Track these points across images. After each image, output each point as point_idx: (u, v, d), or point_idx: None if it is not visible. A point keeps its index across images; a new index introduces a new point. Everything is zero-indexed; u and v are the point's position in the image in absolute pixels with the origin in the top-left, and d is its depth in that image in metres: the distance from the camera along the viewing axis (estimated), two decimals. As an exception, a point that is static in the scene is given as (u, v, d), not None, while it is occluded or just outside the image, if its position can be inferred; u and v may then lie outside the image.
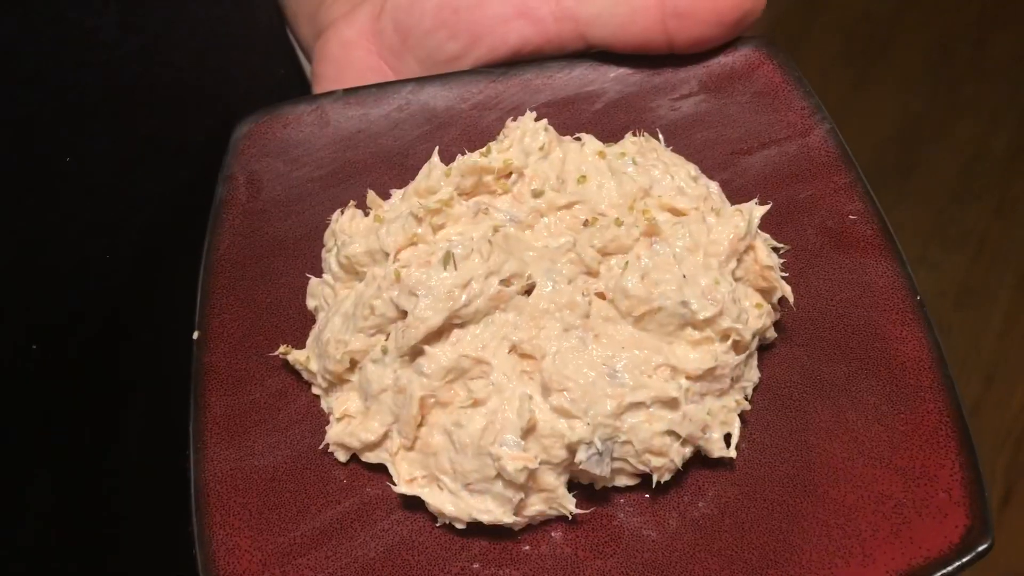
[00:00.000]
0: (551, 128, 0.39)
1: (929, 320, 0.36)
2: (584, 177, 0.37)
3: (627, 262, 0.35)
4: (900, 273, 0.38)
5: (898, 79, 1.91)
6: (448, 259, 0.34)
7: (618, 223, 0.36)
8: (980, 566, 0.33)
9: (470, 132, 0.45)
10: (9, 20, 0.38)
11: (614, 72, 0.45)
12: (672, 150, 0.42)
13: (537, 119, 0.43)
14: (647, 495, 0.35)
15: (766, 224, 0.40)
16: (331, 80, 0.48)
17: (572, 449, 0.33)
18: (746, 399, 0.36)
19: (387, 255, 0.36)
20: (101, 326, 0.45)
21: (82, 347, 0.45)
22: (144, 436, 0.48)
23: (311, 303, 0.39)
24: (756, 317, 0.35)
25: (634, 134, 0.41)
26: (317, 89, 0.49)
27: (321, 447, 0.36)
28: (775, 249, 0.39)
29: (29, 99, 0.40)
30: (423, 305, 0.34)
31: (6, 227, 0.40)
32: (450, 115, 0.45)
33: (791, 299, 0.36)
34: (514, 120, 0.40)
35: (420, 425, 0.34)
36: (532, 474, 0.33)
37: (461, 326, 0.34)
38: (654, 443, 0.33)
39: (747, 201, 0.39)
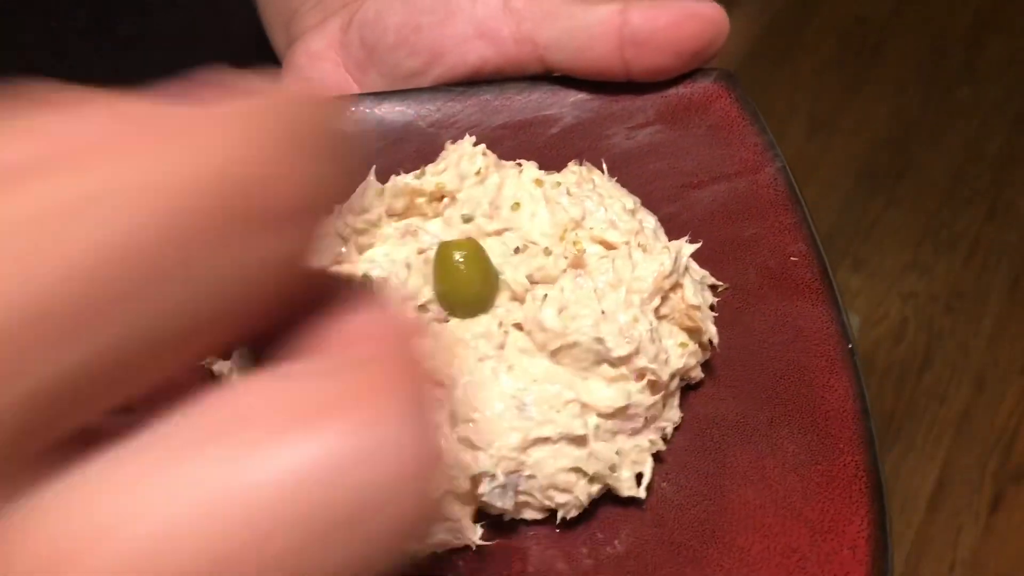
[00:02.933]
0: (490, 153, 0.39)
1: (858, 370, 0.36)
2: (518, 204, 0.37)
3: (546, 294, 0.34)
4: (834, 319, 0.37)
5: (891, 82, 1.92)
6: (364, 281, 0.34)
7: (547, 253, 0.35)
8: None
9: (425, 149, 0.45)
10: None
11: (573, 97, 0.45)
12: (621, 180, 0.41)
13: (494, 141, 0.43)
14: (556, 530, 0.35)
15: (707, 260, 0.39)
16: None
17: (476, 481, 0.33)
18: (664, 439, 0.35)
19: (312, 273, 0.36)
20: None
21: None
22: None
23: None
24: (678, 357, 0.35)
25: (578, 163, 0.40)
26: None
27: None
28: (713, 287, 0.39)
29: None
30: (335, 327, 0.33)
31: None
32: (407, 131, 0.45)
33: (715, 340, 0.36)
34: (453, 142, 0.40)
35: (330, 445, 0.34)
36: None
37: (375, 349, 0.34)
38: (559, 479, 0.33)
39: (692, 235, 0.39)
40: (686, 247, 0.36)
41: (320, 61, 0.49)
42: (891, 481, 1.39)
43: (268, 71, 0.60)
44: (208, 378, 0.38)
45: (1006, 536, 1.37)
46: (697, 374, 0.36)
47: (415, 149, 0.45)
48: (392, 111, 0.45)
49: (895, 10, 2.03)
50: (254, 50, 0.58)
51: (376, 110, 0.45)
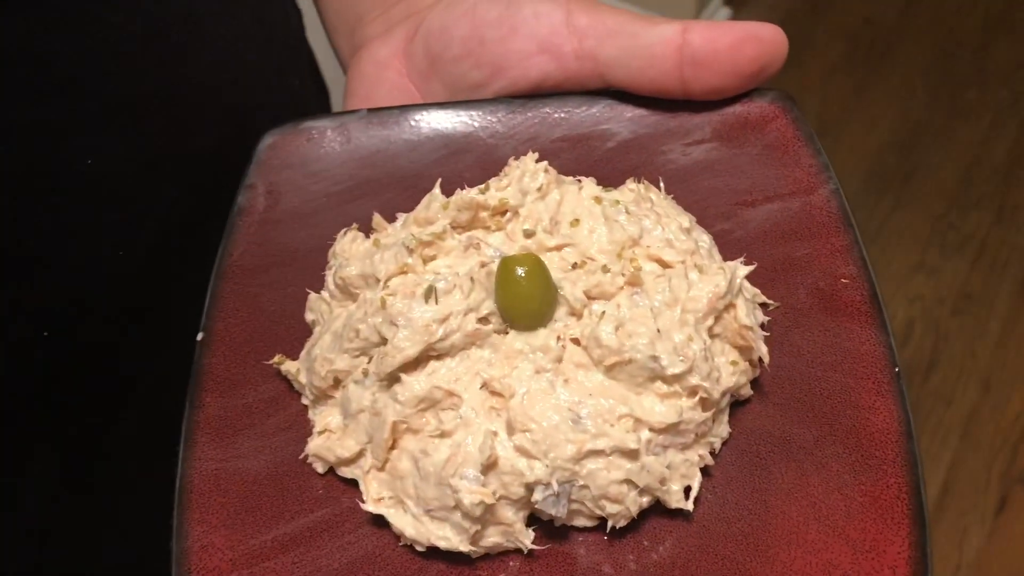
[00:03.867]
0: (551, 169, 0.40)
1: (903, 393, 0.37)
2: (577, 221, 0.38)
3: (603, 311, 0.36)
4: (883, 343, 0.38)
5: (899, 85, 1.92)
6: (430, 293, 0.36)
7: (604, 270, 0.37)
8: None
9: (485, 160, 0.46)
10: (44, 30, 0.41)
11: (630, 112, 0.46)
12: (676, 196, 0.42)
13: (551, 153, 0.45)
14: (604, 537, 0.36)
15: (759, 279, 0.40)
16: (361, 97, 0.50)
17: (530, 488, 0.34)
18: (712, 454, 0.37)
19: (378, 281, 0.38)
20: (108, 323, 0.48)
21: (88, 341, 0.47)
22: (142, 432, 0.51)
23: (309, 317, 0.41)
24: (729, 375, 0.36)
25: (636, 180, 0.41)
26: (348, 104, 0.51)
27: (301, 456, 0.38)
28: (764, 305, 0.40)
29: (58, 104, 0.42)
30: (401, 336, 0.35)
31: (27, 221, 0.43)
32: (467, 141, 0.46)
33: (767, 360, 0.37)
34: (516, 158, 0.41)
35: (391, 448, 0.36)
36: (490, 508, 0.34)
37: (438, 358, 0.36)
38: (611, 490, 0.34)
39: (745, 253, 0.40)
40: (741, 269, 0.37)
41: (384, 69, 0.50)
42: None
43: (304, 77, 0.62)
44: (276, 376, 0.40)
45: (1012, 538, 1.38)
46: (746, 391, 0.38)
47: (475, 159, 0.46)
48: (454, 121, 0.47)
49: (903, 13, 2.03)
50: (298, 58, 0.60)
51: (438, 120, 0.47)
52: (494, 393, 0.35)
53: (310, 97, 0.65)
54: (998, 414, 1.49)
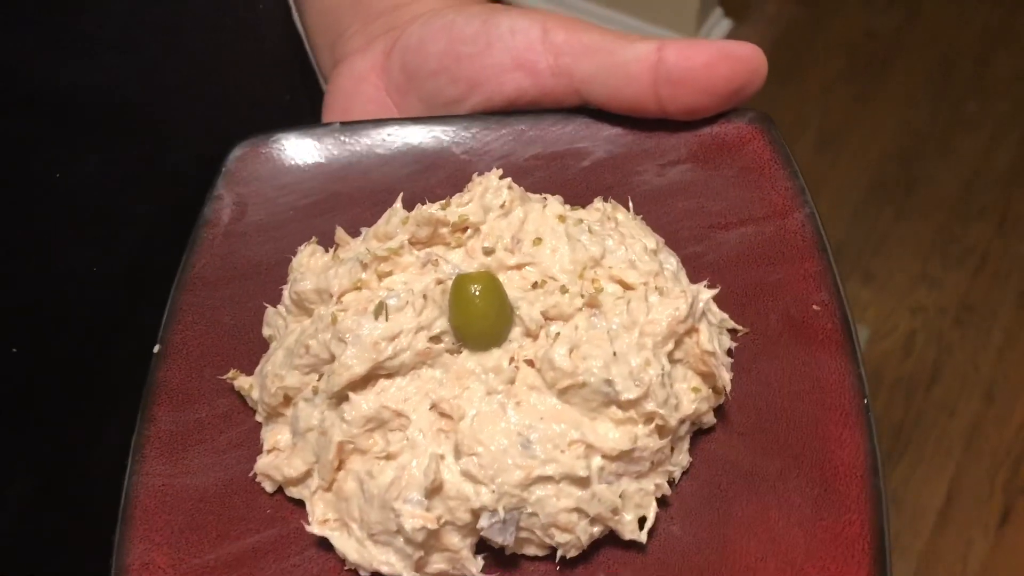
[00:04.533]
0: (516, 186, 0.39)
1: (872, 426, 0.35)
2: (539, 240, 0.37)
3: (559, 332, 0.34)
4: (852, 372, 0.36)
5: (900, 96, 1.92)
6: (380, 309, 0.35)
7: (563, 290, 0.36)
8: None
9: (457, 176, 0.45)
10: (13, 39, 0.40)
11: (606, 131, 0.45)
12: (649, 217, 0.41)
13: (525, 171, 0.44)
14: (557, 567, 0.35)
15: (729, 303, 0.39)
16: (339, 111, 0.50)
17: (476, 514, 0.33)
18: (671, 483, 0.35)
19: (332, 296, 0.37)
20: (84, 336, 0.47)
21: (64, 355, 0.46)
22: (124, 444, 0.50)
23: (266, 331, 0.40)
24: (690, 402, 0.35)
25: (603, 200, 0.40)
26: (325, 118, 0.50)
27: (250, 475, 0.37)
28: (733, 331, 0.38)
29: (28, 115, 0.42)
30: (349, 353, 0.34)
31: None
32: (440, 157, 0.46)
33: (728, 387, 0.36)
34: (480, 174, 0.40)
35: (338, 469, 0.35)
36: (434, 533, 0.33)
37: (387, 376, 0.35)
38: (560, 519, 0.33)
39: (716, 277, 0.39)
40: (704, 292, 0.36)
41: (362, 83, 0.49)
42: (900, 494, 1.38)
43: (296, 92, 0.61)
44: (229, 393, 0.39)
45: (1016, 549, 1.36)
46: (709, 419, 0.36)
47: (447, 175, 0.45)
48: (428, 136, 0.46)
49: (904, 25, 2.04)
50: (290, 72, 0.59)
51: (412, 134, 0.46)
52: (443, 415, 0.34)
53: (304, 113, 0.64)
54: (1001, 425, 1.48)
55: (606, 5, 2.04)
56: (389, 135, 0.46)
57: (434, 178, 0.45)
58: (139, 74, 0.46)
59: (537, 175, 0.44)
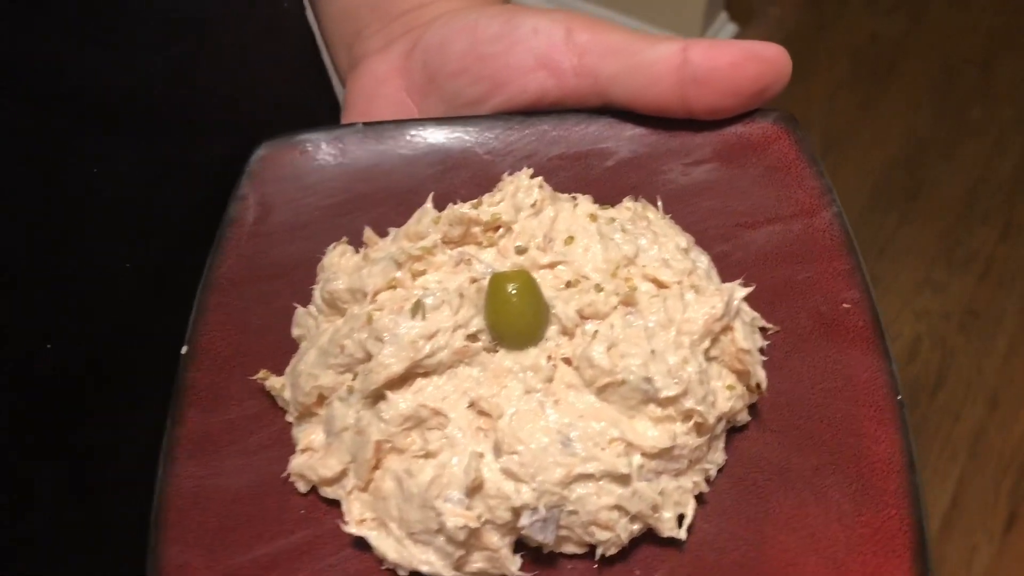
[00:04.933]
0: (546, 186, 0.39)
1: (906, 423, 0.35)
2: (571, 238, 0.37)
3: (596, 330, 0.34)
4: (884, 370, 0.37)
5: (905, 101, 1.93)
6: (417, 308, 0.35)
7: (598, 289, 0.36)
8: None
9: (481, 176, 0.45)
10: (57, 37, 0.40)
11: (630, 131, 0.45)
12: (674, 217, 0.41)
13: (549, 171, 0.44)
14: (594, 565, 0.35)
15: (759, 302, 0.39)
16: (359, 112, 0.49)
17: (517, 512, 0.33)
18: (707, 481, 0.35)
19: (366, 295, 0.37)
20: (114, 333, 0.47)
21: (93, 353, 0.46)
22: (152, 444, 0.50)
23: (296, 332, 0.40)
24: (725, 399, 0.35)
25: (633, 199, 0.41)
26: (345, 119, 0.50)
27: (283, 475, 0.37)
28: (763, 329, 0.39)
29: (68, 111, 0.42)
30: (386, 352, 0.34)
31: (32, 230, 0.42)
32: (464, 157, 0.46)
33: (764, 385, 0.36)
34: (511, 174, 0.40)
35: (375, 468, 0.35)
36: (475, 532, 0.33)
37: (424, 375, 0.35)
38: (600, 516, 0.33)
39: (745, 275, 0.39)
40: (739, 290, 0.36)
41: (382, 84, 0.49)
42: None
43: (317, 92, 0.61)
44: (260, 393, 0.39)
45: (1021, 555, 1.37)
46: (743, 417, 0.36)
47: (471, 175, 0.45)
48: (451, 136, 0.46)
49: (909, 30, 2.04)
50: (305, 71, 0.59)
51: (435, 135, 0.46)
52: (482, 413, 0.34)
53: (323, 113, 0.64)
54: (1006, 431, 1.48)
55: (611, 8, 2.04)
56: (412, 135, 0.46)
57: (457, 178, 0.45)
58: (171, 73, 0.46)
59: (561, 175, 0.44)
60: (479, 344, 0.35)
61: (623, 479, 0.33)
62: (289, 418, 0.38)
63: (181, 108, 0.47)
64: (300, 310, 0.40)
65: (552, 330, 0.35)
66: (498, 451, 0.33)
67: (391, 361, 0.34)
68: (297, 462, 0.36)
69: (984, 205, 1.74)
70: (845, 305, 0.39)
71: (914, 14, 2.05)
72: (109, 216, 0.45)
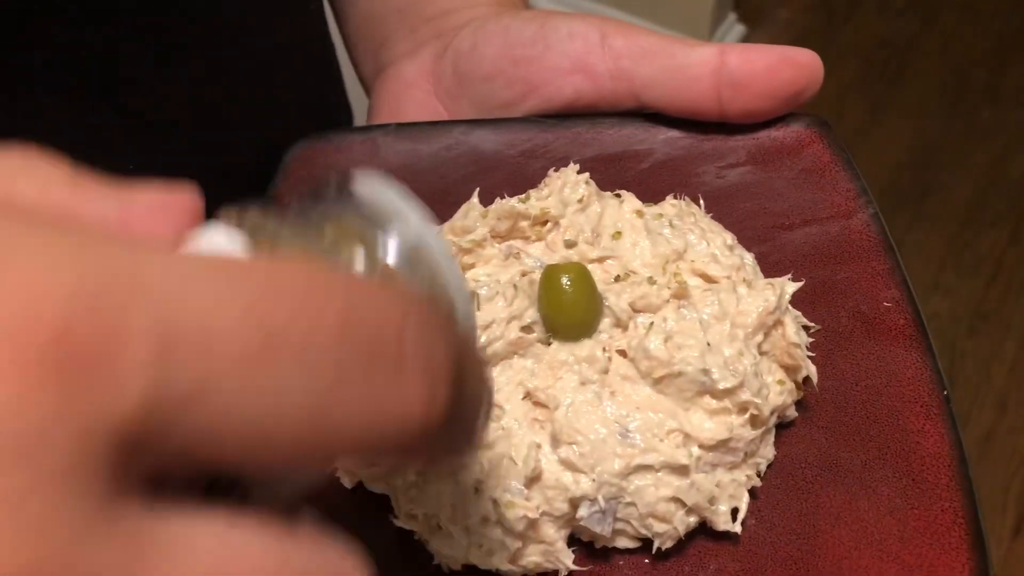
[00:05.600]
0: (592, 182, 0.39)
1: (953, 417, 0.36)
2: (619, 233, 0.37)
3: (652, 322, 0.34)
4: (929, 366, 0.37)
5: (914, 104, 1.93)
6: (472, 299, 0.34)
7: (651, 282, 0.36)
8: None
9: (515, 178, 0.45)
10: (109, 36, 0.40)
11: (664, 134, 0.45)
12: (713, 217, 0.42)
13: (581, 172, 0.44)
14: (647, 560, 0.34)
15: (799, 302, 0.39)
16: (387, 115, 0.49)
17: (575, 504, 0.32)
18: (758, 475, 0.35)
19: (416, 289, 0.36)
20: None
21: None
22: None
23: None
24: (777, 393, 0.35)
25: (675, 197, 0.41)
26: (373, 122, 0.50)
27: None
28: (805, 328, 0.39)
29: (114, 109, 0.41)
30: (443, 342, 0.34)
31: None
32: (497, 159, 0.46)
33: (815, 379, 0.36)
34: (556, 170, 0.40)
35: (427, 461, 0.34)
36: (532, 524, 0.32)
37: (479, 367, 0.34)
38: (658, 508, 0.33)
39: (783, 275, 0.39)
40: (789, 285, 0.36)
41: (411, 88, 0.49)
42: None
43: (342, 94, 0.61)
44: None
45: None
46: (792, 413, 0.36)
47: (505, 177, 0.45)
48: (483, 138, 0.46)
49: (918, 32, 2.05)
50: (333, 69, 0.59)
51: (468, 137, 0.46)
52: (537, 404, 0.34)
53: (346, 113, 0.64)
54: (1015, 435, 1.49)
55: (621, 9, 2.05)
56: (446, 136, 0.46)
57: (491, 180, 0.45)
58: (196, 75, 0.45)
59: (596, 177, 0.44)
60: (534, 335, 0.35)
61: (682, 470, 0.33)
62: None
63: (207, 112, 0.47)
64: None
65: (605, 323, 0.35)
66: (555, 442, 0.33)
67: (447, 351, 0.34)
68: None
69: (993, 208, 1.75)
70: (886, 304, 0.39)
71: (924, 17, 2.06)
72: None
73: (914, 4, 2.10)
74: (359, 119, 0.60)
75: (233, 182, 0.49)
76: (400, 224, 0.22)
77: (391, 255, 0.22)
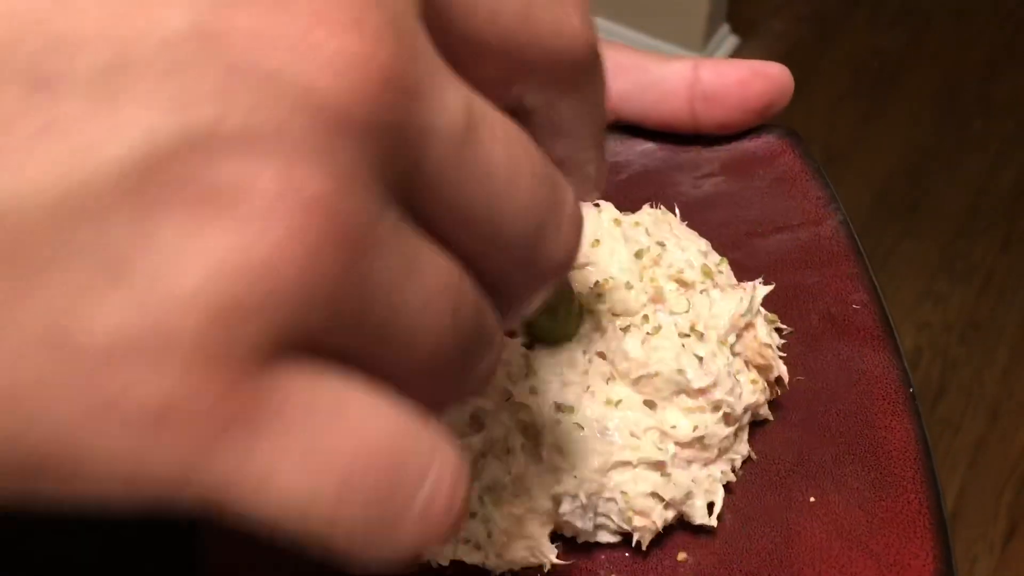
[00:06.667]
0: (572, 193, 0.41)
1: (919, 413, 0.37)
2: (598, 241, 0.39)
3: (629, 325, 0.36)
4: (895, 365, 0.39)
5: (906, 114, 1.94)
6: (458, 306, 0.36)
7: (628, 287, 0.37)
8: None
9: (498, 190, 0.47)
10: None
11: (640, 147, 0.47)
12: (689, 225, 0.43)
13: (563, 184, 0.46)
14: (627, 553, 0.36)
15: (772, 306, 0.41)
16: None
17: (557, 500, 0.34)
18: (733, 471, 0.37)
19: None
20: None
21: None
22: None
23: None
24: (750, 392, 0.37)
25: (652, 206, 0.42)
26: None
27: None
28: (778, 330, 0.40)
29: None
30: (430, 347, 0.35)
31: None
32: None
33: (786, 378, 0.38)
34: None
35: (415, 462, 0.36)
36: (517, 520, 0.34)
37: (464, 371, 0.36)
38: (637, 503, 0.34)
39: (756, 280, 0.41)
40: (760, 288, 0.38)
41: None
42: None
43: None
44: None
45: (1021, 568, 1.37)
46: (765, 412, 0.38)
47: None
48: None
49: (911, 43, 2.06)
50: None
51: None
52: (520, 406, 0.35)
53: None
54: (1006, 443, 1.50)
55: (614, 20, 2.07)
56: None
57: (476, 192, 0.47)
58: None
59: None
60: (517, 340, 0.36)
61: (659, 466, 0.34)
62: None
63: None
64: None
65: (585, 327, 0.37)
66: (538, 442, 0.34)
67: (433, 356, 0.35)
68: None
69: (985, 217, 1.77)
70: (855, 306, 0.41)
71: (916, 28, 2.08)
72: None
73: (906, 15, 2.12)
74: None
75: None
76: None
77: None
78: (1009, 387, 1.56)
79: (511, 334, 0.36)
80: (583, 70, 0.23)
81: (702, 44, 2.02)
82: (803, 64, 2.02)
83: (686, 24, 2.00)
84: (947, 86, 1.99)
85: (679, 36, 2.02)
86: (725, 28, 2.09)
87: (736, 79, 0.44)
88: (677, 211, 0.43)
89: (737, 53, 2.08)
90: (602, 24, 2.11)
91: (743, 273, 0.43)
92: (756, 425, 0.39)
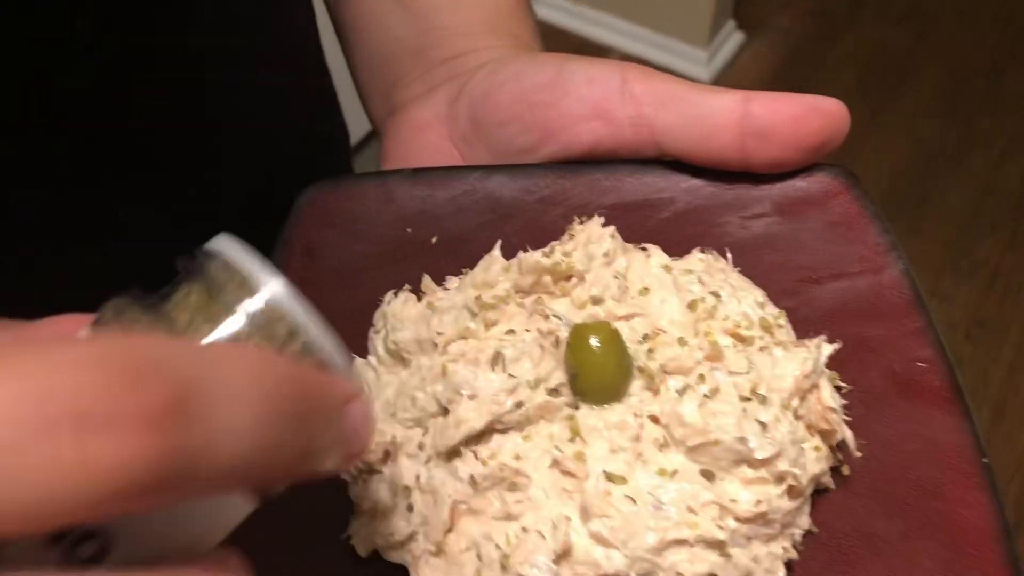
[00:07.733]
0: (618, 235, 0.38)
1: (995, 487, 0.34)
2: (647, 289, 0.36)
3: (686, 386, 0.33)
4: (967, 431, 0.36)
5: (912, 111, 1.94)
6: (497, 359, 0.33)
7: (681, 343, 0.34)
8: None
9: (532, 226, 0.44)
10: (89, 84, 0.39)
11: (686, 183, 0.44)
12: (739, 271, 0.40)
13: (605, 223, 0.43)
14: (678, 637, 0.33)
15: (831, 362, 0.38)
16: (400, 159, 0.48)
17: (606, 580, 0.31)
18: (794, 547, 0.34)
19: (436, 346, 0.35)
20: None
21: None
22: None
23: (351, 384, 0.38)
24: (814, 461, 0.34)
25: (701, 250, 0.39)
26: (385, 166, 0.49)
27: (342, 537, 0.34)
28: (837, 388, 0.37)
29: (83, 153, 0.40)
30: (466, 406, 0.32)
31: (57, 276, 0.40)
32: (514, 206, 0.44)
33: (852, 444, 0.35)
34: (581, 222, 0.39)
35: (448, 531, 0.33)
36: (561, 601, 0.31)
37: (503, 432, 0.33)
38: (694, 585, 0.31)
39: (812, 332, 0.38)
40: (825, 347, 0.35)
41: (425, 132, 0.48)
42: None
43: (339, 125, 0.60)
44: None
45: None
46: (827, 480, 0.35)
47: (522, 224, 0.44)
48: (501, 185, 0.45)
49: (916, 41, 2.06)
50: (329, 103, 0.58)
51: (485, 183, 0.45)
52: (566, 473, 0.32)
53: (342, 149, 0.63)
54: (1012, 441, 1.48)
55: (620, 16, 2.05)
56: (462, 182, 0.45)
57: (509, 227, 0.44)
58: (183, 111, 0.44)
59: (616, 225, 0.43)
60: (561, 399, 0.33)
61: (719, 545, 0.31)
62: (345, 476, 0.36)
63: (195, 148, 0.46)
64: (359, 361, 0.38)
65: (635, 385, 0.34)
66: (586, 514, 0.31)
67: (471, 416, 0.32)
68: (358, 523, 0.34)
69: (991, 215, 1.75)
70: (920, 364, 0.38)
71: (922, 25, 2.07)
72: (130, 260, 0.43)
73: (912, 12, 2.12)
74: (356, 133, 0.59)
75: (222, 220, 0.48)
76: (249, 289, 0.24)
77: (240, 320, 0.24)
78: (1014, 385, 1.55)
79: (554, 393, 0.33)
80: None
81: (708, 40, 1.99)
82: (809, 61, 2.00)
83: (692, 20, 1.99)
84: (953, 83, 1.97)
85: (685, 32, 2.00)
86: (731, 24, 2.07)
87: (790, 115, 0.41)
88: (729, 256, 0.40)
89: (742, 49, 2.06)
90: (608, 21, 2.10)
91: (798, 323, 0.40)
92: (816, 494, 0.35)
